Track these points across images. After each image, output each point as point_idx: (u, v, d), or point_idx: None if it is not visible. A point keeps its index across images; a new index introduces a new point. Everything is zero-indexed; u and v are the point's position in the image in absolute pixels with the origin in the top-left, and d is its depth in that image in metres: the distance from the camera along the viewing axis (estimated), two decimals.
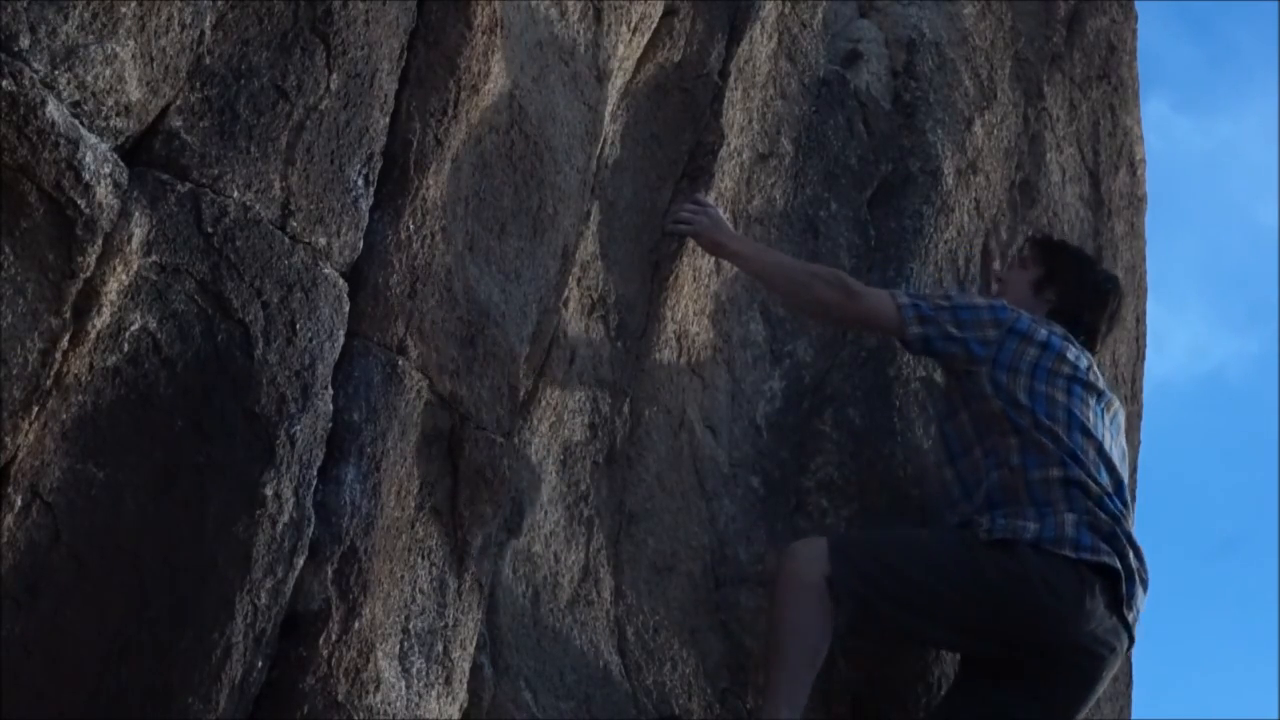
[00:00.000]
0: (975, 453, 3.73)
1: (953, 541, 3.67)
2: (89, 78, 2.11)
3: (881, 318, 3.75)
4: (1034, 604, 3.52)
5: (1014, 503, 3.61)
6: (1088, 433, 3.69)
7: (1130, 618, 3.64)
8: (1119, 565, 3.56)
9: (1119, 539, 3.60)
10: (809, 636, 3.45)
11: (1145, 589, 3.69)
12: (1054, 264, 4.08)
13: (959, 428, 3.78)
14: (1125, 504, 3.72)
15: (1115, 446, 3.80)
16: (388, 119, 2.72)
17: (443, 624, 2.76)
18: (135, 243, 2.18)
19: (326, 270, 2.54)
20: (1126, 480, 3.80)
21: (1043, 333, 3.76)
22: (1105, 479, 3.67)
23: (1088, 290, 4.05)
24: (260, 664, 2.36)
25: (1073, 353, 3.78)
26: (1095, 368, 3.87)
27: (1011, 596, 3.53)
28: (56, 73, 2.06)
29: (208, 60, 2.34)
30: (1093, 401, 3.76)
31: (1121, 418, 3.92)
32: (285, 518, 2.39)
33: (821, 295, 3.73)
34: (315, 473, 2.48)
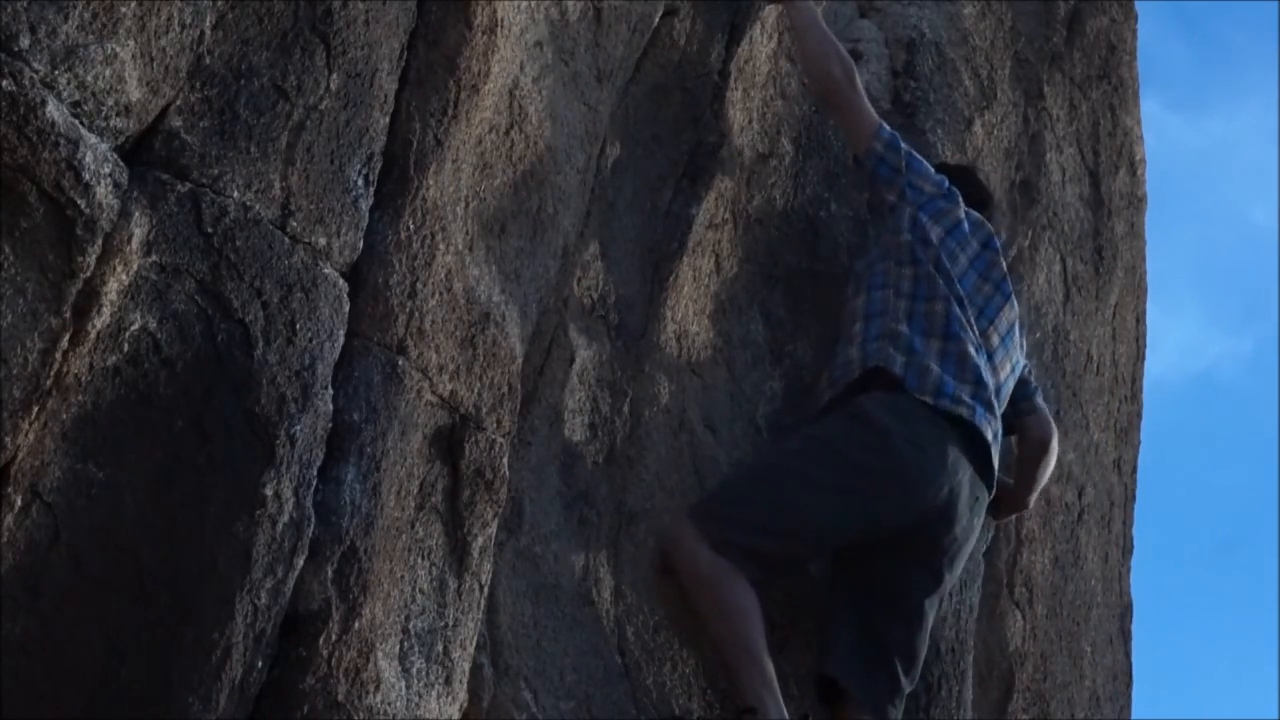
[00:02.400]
0: (866, 285, 3.90)
1: (806, 444, 3.72)
2: (89, 78, 2.11)
3: (862, 120, 4.00)
4: (903, 466, 3.62)
5: (891, 334, 3.73)
6: (975, 293, 3.90)
7: (990, 471, 3.79)
8: (976, 420, 3.69)
9: (984, 386, 3.75)
10: (735, 613, 3.42)
11: (998, 445, 3.85)
12: None
13: (868, 264, 3.95)
14: (999, 369, 3.89)
15: (1006, 329, 3.97)
16: (388, 119, 2.72)
17: (443, 624, 2.76)
18: (135, 243, 2.18)
19: (326, 270, 2.54)
20: (1009, 365, 3.97)
21: (966, 213, 4.02)
22: (982, 334, 3.86)
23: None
24: (260, 664, 2.36)
25: (984, 235, 4.02)
26: (1003, 262, 4.09)
27: (881, 468, 3.61)
28: (56, 73, 2.06)
29: (208, 60, 2.34)
30: (995, 279, 3.98)
31: (1018, 324, 4.08)
32: (285, 518, 2.39)
33: (833, 70, 3.98)
34: (315, 473, 2.48)
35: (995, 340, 3.92)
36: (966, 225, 3.99)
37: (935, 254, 3.85)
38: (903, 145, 4.01)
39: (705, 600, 3.45)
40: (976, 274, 3.93)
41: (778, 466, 3.69)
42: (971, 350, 3.77)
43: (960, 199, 4.03)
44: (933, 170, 4.08)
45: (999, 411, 3.87)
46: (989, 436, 3.74)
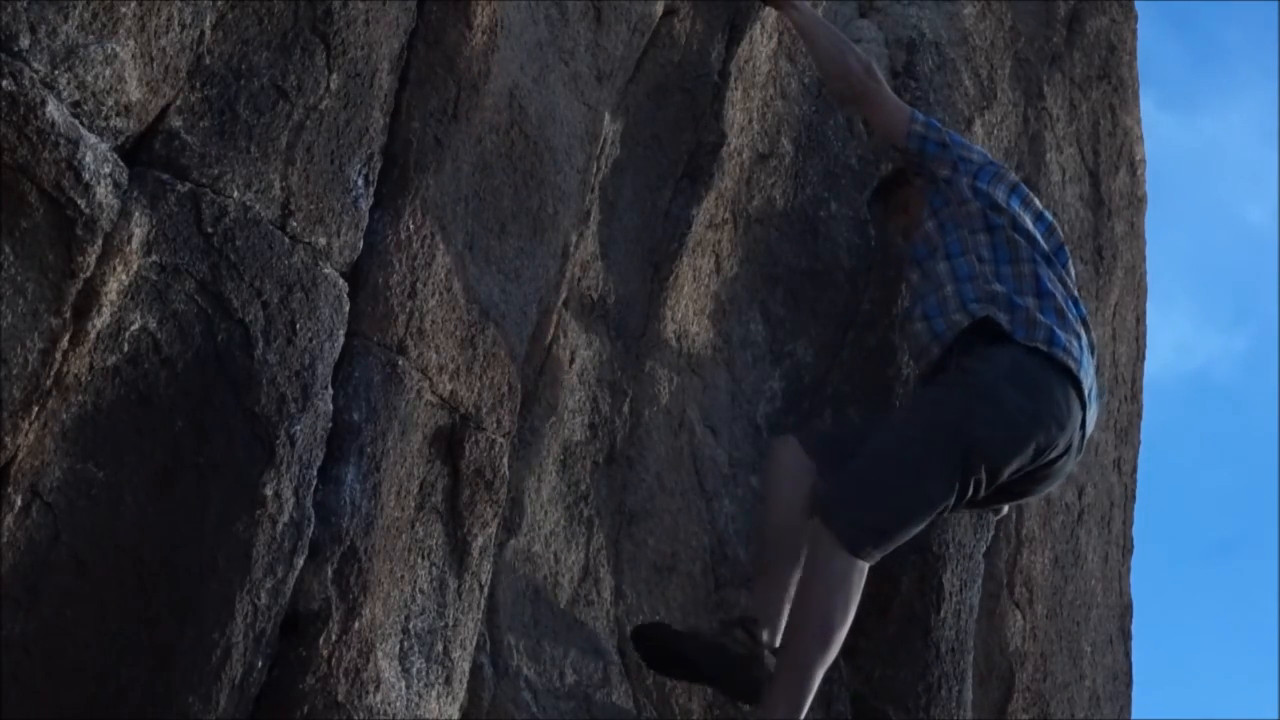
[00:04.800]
0: (940, 254, 3.82)
1: (925, 429, 3.59)
2: (89, 78, 2.11)
3: (892, 109, 3.98)
4: (1021, 429, 3.55)
5: (989, 295, 3.68)
6: (1051, 254, 3.87)
7: (1088, 422, 3.73)
8: (1080, 375, 3.63)
9: (1081, 338, 3.71)
10: (834, 642, 3.35)
11: (1096, 402, 3.81)
12: (896, 178, 4.20)
13: (925, 236, 3.88)
14: (1089, 327, 3.85)
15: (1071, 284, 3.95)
16: (388, 119, 2.72)
17: (443, 624, 2.76)
18: (135, 243, 2.18)
19: (326, 270, 2.54)
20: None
21: (1016, 179, 4.02)
22: (1070, 291, 3.83)
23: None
24: (260, 664, 2.36)
25: (1040, 204, 4.03)
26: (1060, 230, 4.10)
27: (1003, 438, 3.54)
28: (56, 73, 2.06)
29: (208, 60, 2.34)
30: (1053, 245, 3.94)
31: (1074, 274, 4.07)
32: (285, 518, 2.39)
33: (851, 64, 3.96)
34: (315, 473, 2.48)
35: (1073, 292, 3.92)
36: (1023, 189, 4.00)
37: (1010, 218, 3.83)
38: (937, 124, 4.02)
39: (804, 603, 3.37)
40: (1040, 237, 3.91)
41: (901, 454, 3.56)
42: (1063, 304, 3.74)
43: (1006, 167, 4.05)
44: (973, 143, 4.10)
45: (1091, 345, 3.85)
46: (1087, 390, 3.68)
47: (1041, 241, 3.86)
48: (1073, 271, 3.99)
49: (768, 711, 3.33)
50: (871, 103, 3.99)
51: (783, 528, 3.53)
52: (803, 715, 3.32)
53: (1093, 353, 3.79)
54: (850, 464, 3.55)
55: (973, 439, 3.50)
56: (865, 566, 3.39)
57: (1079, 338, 3.70)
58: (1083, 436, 3.72)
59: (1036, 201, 4.00)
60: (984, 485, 3.54)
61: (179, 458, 2.25)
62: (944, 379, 3.64)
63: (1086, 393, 3.67)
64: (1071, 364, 3.62)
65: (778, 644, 3.41)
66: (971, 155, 3.96)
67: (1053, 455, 3.61)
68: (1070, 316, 3.73)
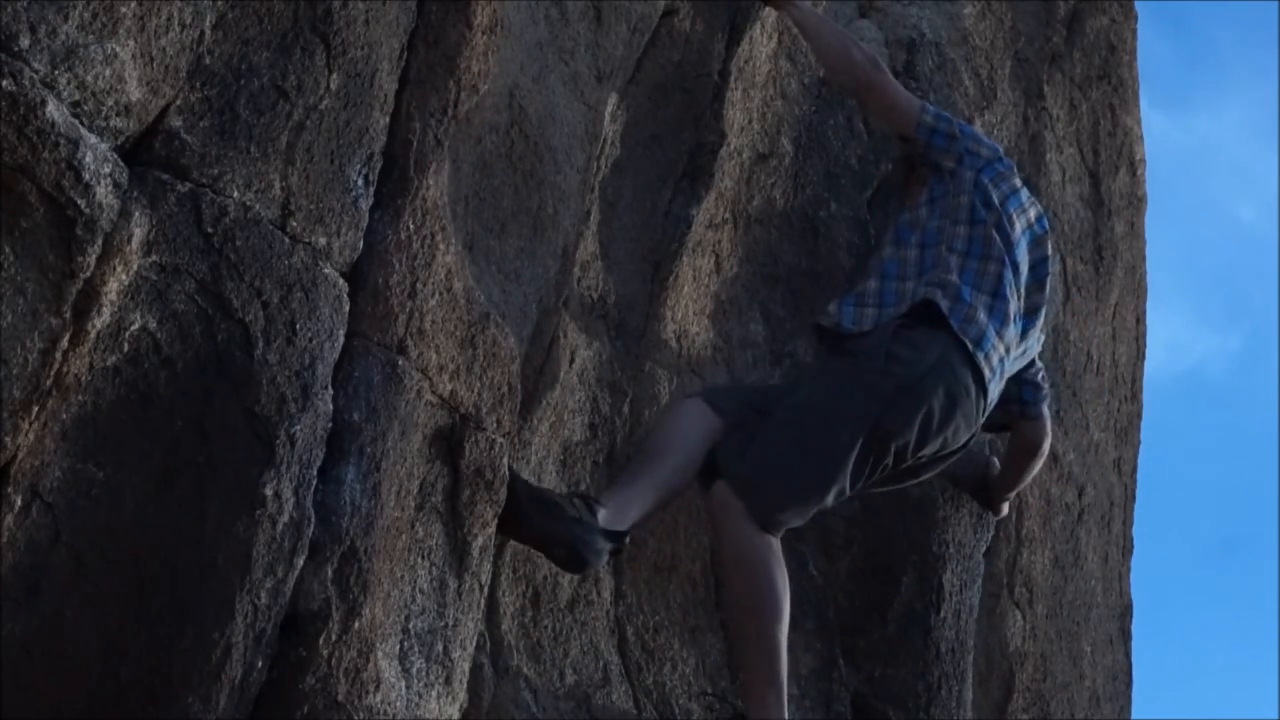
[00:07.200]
0: (915, 239, 3.86)
1: (843, 403, 3.59)
2: (89, 78, 2.11)
3: (900, 99, 4.02)
4: (939, 428, 3.63)
5: (941, 283, 3.71)
6: (1021, 263, 3.90)
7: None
8: (989, 384, 3.72)
9: (1009, 352, 3.80)
10: (766, 607, 3.36)
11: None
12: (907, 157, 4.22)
13: (915, 219, 3.92)
14: (1026, 339, 3.94)
15: (1032, 308, 3.98)
16: (388, 119, 2.72)
17: (443, 624, 2.76)
18: (135, 243, 2.18)
19: (326, 270, 2.54)
20: (1024, 347, 3.98)
21: (1019, 183, 4.04)
22: (1023, 305, 3.89)
23: None
24: (260, 664, 2.36)
25: (1037, 212, 4.06)
26: (1049, 243, 4.14)
27: (921, 434, 3.61)
28: (56, 73, 2.06)
29: (208, 60, 2.34)
30: (1036, 258, 3.98)
31: (1044, 312, 4.08)
32: (285, 518, 2.39)
33: (856, 57, 3.98)
34: (315, 473, 2.48)
35: (1028, 300, 3.95)
36: (1023, 195, 4.01)
37: (998, 216, 3.86)
38: (948, 114, 4.04)
39: (742, 587, 3.40)
40: (1024, 247, 3.93)
41: (821, 437, 3.53)
42: (1012, 314, 3.79)
43: (1015, 166, 4.06)
44: (984, 135, 4.10)
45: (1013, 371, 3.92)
46: (989, 401, 3.76)
47: (1023, 247, 3.88)
48: (1048, 287, 4.02)
49: (751, 700, 3.35)
50: (879, 93, 4.00)
51: (673, 448, 3.43)
52: (784, 686, 3.34)
53: (1003, 378, 3.83)
54: (765, 435, 3.50)
55: (892, 429, 3.56)
56: (772, 546, 3.41)
57: (1007, 351, 3.78)
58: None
59: (1033, 210, 4.01)
60: (888, 469, 3.61)
61: (179, 458, 2.25)
62: (870, 364, 3.63)
63: (988, 403, 3.77)
64: (986, 373, 3.70)
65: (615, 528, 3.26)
66: (980, 149, 3.98)
67: (954, 448, 3.72)
68: (1011, 330, 3.79)
